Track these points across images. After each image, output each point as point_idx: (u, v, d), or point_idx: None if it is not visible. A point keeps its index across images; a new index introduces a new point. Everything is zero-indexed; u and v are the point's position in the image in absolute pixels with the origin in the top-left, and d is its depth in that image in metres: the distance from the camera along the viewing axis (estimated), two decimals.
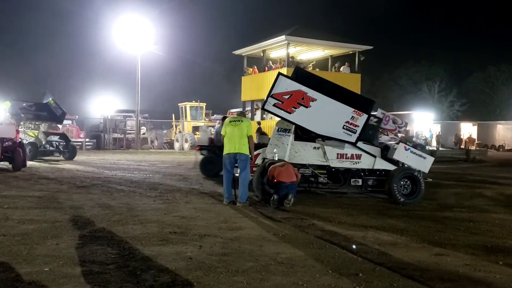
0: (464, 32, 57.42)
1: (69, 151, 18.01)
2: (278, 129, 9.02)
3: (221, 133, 8.43)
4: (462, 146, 35.49)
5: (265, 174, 8.44)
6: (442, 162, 19.66)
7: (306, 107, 8.42)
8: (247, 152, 7.99)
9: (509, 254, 5.18)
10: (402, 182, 8.73)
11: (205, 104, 32.30)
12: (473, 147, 33.78)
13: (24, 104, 18.43)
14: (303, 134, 9.08)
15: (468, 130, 41.76)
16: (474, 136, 40.60)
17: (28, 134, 17.54)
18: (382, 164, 9.02)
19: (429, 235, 6.04)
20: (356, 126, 8.44)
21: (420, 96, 53.94)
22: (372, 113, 9.03)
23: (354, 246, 5.31)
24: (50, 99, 18.40)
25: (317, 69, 26.03)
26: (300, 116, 8.48)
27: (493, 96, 55.54)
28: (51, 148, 17.75)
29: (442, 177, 13.35)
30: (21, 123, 17.93)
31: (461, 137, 39.83)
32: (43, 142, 17.41)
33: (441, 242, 5.67)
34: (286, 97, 8.45)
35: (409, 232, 6.20)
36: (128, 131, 30.02)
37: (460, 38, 57.40)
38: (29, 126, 18.17)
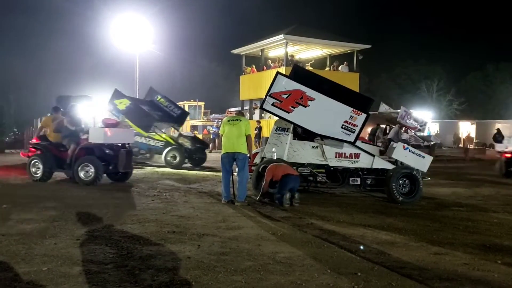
0: (463, 31, 57.53)
1: (200, 157, 15.48)
2: (276, 128, 9.03)
3: (219, 132, 8.44)
4: (461, 145, 35.50)
5: (261, 177, 8.43)
6: (441, 161, 19.70)
7: (305, 107, 8.42)
8: (246, 152, 7.99)
9: (508, 253, 5.19)
10: (400, 181, 8.74)
11: (203, 103, 32.38)
12: (471, 146, 33.79)
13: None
14: (304, 134, 9.08)
15: (467, 129, 41.72)
16: (473, 135, 40.59)
17: (154, 138, 15.10)
18: (380, 163, 9.02)
19: (428, 234, 6.05)
20: (354, 125, 8.44)
21: (419, 95, 53.90)
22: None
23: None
24: (158, 96, 15.57)
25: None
26: (298, 116, 8.48)
27: (492, 95, 55.48)
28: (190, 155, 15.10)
29: (440, 176, 13.37)
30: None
31: (460, 136, 39.82)
32: (190, 147, 14.99)
33: (439, 241, 5.68)
34: (285, 96, 8.45)
35: (408, 231, 6.21)
36: None
37: (459, 37, 57.48)
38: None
